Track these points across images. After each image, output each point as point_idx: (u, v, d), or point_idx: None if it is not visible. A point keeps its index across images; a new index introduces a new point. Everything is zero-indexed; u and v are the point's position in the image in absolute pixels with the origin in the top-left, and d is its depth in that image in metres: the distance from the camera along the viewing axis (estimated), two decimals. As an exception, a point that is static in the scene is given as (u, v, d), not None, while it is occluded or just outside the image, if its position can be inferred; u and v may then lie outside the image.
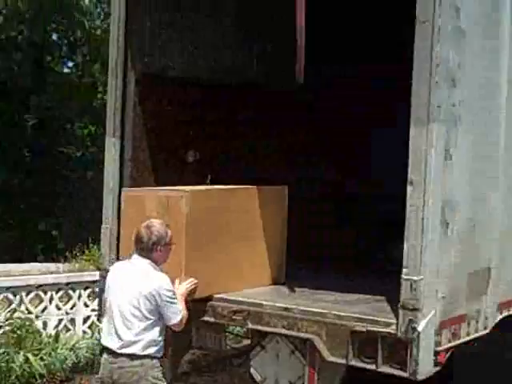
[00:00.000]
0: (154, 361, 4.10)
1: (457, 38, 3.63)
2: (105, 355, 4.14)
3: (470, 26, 3.70)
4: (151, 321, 4.03)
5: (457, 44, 3.63)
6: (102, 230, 5.28)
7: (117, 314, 4.06)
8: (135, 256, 4.15)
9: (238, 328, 5.72)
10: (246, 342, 6.07)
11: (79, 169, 20.05)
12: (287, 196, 5.04)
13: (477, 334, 3.79)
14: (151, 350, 4.06)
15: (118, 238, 5.18)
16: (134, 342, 4.01)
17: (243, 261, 4.77)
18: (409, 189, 3.54)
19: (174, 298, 4.09)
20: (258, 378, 4.41)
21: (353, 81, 6.61)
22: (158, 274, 4.10)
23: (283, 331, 4.16)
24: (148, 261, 4.10)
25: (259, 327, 4.31)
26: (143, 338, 4.02)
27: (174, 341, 4.93)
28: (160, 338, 4.12)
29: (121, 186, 5.26)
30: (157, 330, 4.08)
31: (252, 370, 4.45)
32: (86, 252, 10.05)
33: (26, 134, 19.96)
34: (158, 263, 4.13)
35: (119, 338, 4.03)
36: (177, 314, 4.11)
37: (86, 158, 20.43)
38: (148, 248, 4.08)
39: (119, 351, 4.03)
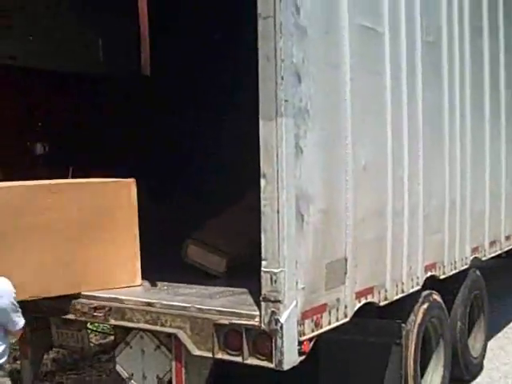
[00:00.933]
0: None
1: (299, 34, 3.54)
2: None
3: (310, 23, 3.63)
4: None
5: (299, 40, 3.55)
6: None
7: None
8: None
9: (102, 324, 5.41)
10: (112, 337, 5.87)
11: None
12: (135, 190, 4.46)
13: (338, 323, 3.77)
14: None
15: None
16: None
17: (77, 262, 4.30)
18: (262, 182, 3.44)
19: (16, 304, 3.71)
20: (124, 374, 4.20)
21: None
22: None
23: (147, 326, 3.97)
24: None
25: (122, 323, 4.09)
26: None
27: (33, 340, 4.65)
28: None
29: None
30: None
31: (118, 367, 4.23)
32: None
33: None
34: None
35: None
36: (21, 320, 3.75)
37: None
38: None
39: None
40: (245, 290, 4.12)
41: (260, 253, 3.41)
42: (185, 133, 6.59)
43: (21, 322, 3.75)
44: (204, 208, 5.71)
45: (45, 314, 4.42)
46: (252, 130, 3.53)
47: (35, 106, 5.50)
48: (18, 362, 6.05)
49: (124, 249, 4.45)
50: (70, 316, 4.29)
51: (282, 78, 3.39)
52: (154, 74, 6.57)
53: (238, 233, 5.04)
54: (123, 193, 4.43)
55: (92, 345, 4.76)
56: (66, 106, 5.70)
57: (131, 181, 4.45)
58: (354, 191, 3.93)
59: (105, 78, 5.88)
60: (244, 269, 4.56)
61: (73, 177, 5.52)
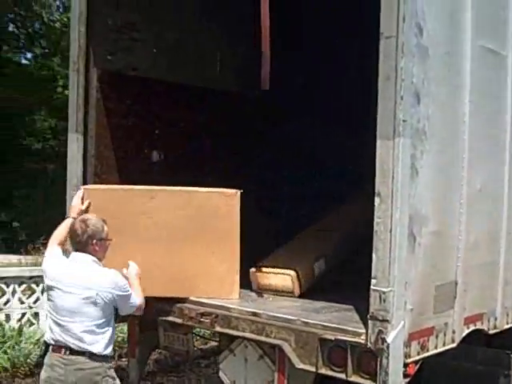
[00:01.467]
0: (111, 360, 3.89)
1: (420, 55, 3.55)
2: (55, 355, 3.71)
3: (432, 44, 3.63)
4: (108, 318, 3.79)
5: (420, 60, 3.55)
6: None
7: (70, 311, 3.71)
8: (74, 252, 3.85)
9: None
10: (213, 343, 6.00)
11: (40, 161, 19.60)
12: (239, 201, 4.41)
13: (445, 347, 3.73)
14: (109, 349, 3.80)
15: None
16: (95, 341, 3.71)
17: (173, 267, 4.39)
18: (376, 201, 3.46)
19: (128, 290, 3.86)
20: (226, 381, 4.30)
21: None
22: (106, 269, 3.84)
23: (252, 336, 4.04)
24: (90, 256, 3.80)
25: (227, 331, 4.18)
26: (104, 337, 3.75)
27: (141, 340, 4.81)
28: (114, 337, 3.91)
29: (84, 182, 5.06)
30: (112, 327, 3.84)
31: (221, 374, 4.32)
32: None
33: (-17, 124, 19.43)
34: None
35: (76, 336, 3.68)
36: (135, 302, 3.90)
37: (47, 151, 19.98)
38: (83, 242, 3.78)
39: (79, 350, 3.69)
40: (350, 306, 4.12)
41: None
42: (303, 145, 6.65)
43: (136, 303, 3.91)
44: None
45: (154, 316, 4.55)
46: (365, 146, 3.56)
47: (153, 116, 5.70)
48: (124, 359, 6.33)
49: (224, 261, 4.44)
50: (178, 320, 4.41)
51: (402, 98, 3.41)
52: (273, 88, 6.65)
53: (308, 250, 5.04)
54: (227, 204, 4.41)
55: (195, 349, 4.86)
56: (183, 116, 5.87)
57: (235, 192, 4.41)
58: (468, 214, 3.87)
59: (222, 91, 6.01)
60: (347, 285, 4.60)
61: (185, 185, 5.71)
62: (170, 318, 4.44)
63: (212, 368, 6.66)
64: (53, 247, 4.02)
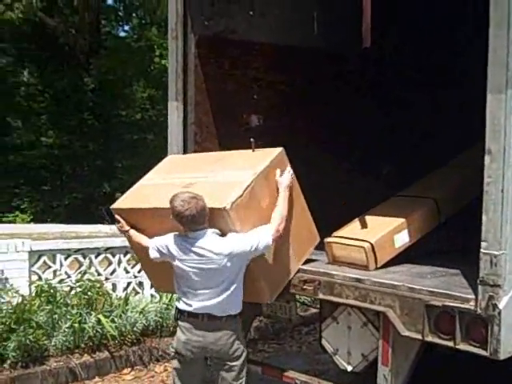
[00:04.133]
0: (241, 319, 4.12)
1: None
2: (193, 320, 3.99)
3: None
4: (239, 276, 3.97)
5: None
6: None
7: (199, 277, 3.91)
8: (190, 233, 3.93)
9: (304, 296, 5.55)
10: (314, 310, 6.04)
11: (139, 131, 20.20)
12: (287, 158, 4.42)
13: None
14: (239, 309, 4.05)
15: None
16: (230, 302, 3.96)
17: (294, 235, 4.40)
18: (487, 159, 3.34)
19: (251, 234, 3.93)
20: (329, 349, 4.32)
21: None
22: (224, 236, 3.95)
23: (355, 303, 4.02)
24: (209, 229, 3.92)
25: (331, 298, 4.17)
26: (236, 297, 3.99)
27: (244, 309, 4.89)
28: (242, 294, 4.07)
29: (185, 150, 5.18)
30: (241, 286, 4.02)
31: (323, 341, 4.35)
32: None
33: (86, 97, 20.16)
34: None
35: (212, 300, 3.92)
36: (266, 240, 3.94)
37: (146, 121, 20.56)
38: (200, 221, 3.88)
39: (218, 314, 3.94)
40: (458, 271, 4.03)
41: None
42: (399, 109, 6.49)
43: (267, 243, 3.96)
44: None
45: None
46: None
47: (252, 79, 5.71)
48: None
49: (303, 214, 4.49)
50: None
51: (517, 45, 3.25)
52: (375, 47, 6.52)
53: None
54: (280, 160, 4.39)
55: (298, 316, 4.90)
56: (282, 79, 5.86)
57: (281, 149, 4.44)
58: None
59: (322, 51, 5.94)
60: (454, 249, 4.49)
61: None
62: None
63: (313, 335, 6.74)
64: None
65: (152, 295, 7.34)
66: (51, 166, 19.29)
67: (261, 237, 3.94)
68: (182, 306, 4.04)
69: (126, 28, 23.44)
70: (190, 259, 3.92)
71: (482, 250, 3.33)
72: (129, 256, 7.48)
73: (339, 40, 6.06)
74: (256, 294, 4.25)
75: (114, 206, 4.39)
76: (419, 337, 3.65)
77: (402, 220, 4.44)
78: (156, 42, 20.41)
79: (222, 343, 4.00)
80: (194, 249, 3.90)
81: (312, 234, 4.59)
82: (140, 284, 7.51)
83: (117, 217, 4.31)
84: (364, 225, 4.58)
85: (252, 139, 4.49)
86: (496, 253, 3.28)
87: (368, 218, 4.62)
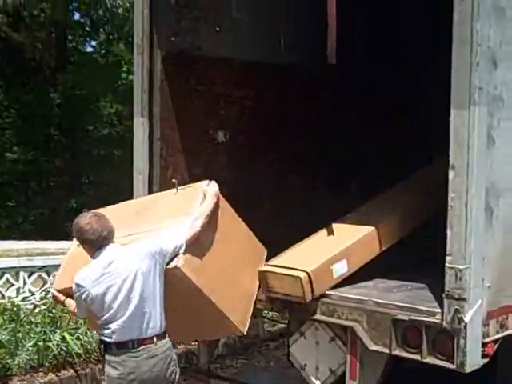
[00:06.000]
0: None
1: (496, 16, 3.43)
2: (120, 352, 3.67)
3: (509, 5, 3.50)
4: (156, 287, 3.73)
5: (497, 22, 3.43)
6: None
7: (129, 303, 3.65)
8: (99, 252, 3.75)
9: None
10: (281, 325, 6.02)
11: (106, 147, 20.03)
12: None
13: (526, 326, 3.63)
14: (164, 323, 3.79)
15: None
16: (161, 323, 3.73)
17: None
18: (451, 174, 3.38)
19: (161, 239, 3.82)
20: (297, 364, 4.30)
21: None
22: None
23: (322, 318, 4.03)
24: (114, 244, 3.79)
25: (298, 314, 4.19)
26: (160, 311, 3.75)
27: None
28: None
29: (151, 166, 5.14)
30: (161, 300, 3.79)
31: (291, 357, 4.34)
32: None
33: (53, 112, 19.96)
34: None
35: (139, 325, 3.67)
36: (178, 241, 3.80)
37: (113, 137, 20.40)
38: (109, 238, 3.77)
39: (146, 337, 3.66)
40: (423, 285, 4.05)
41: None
42: (362, 126, 6.52)
43: (181, 242, 3.82)
44: None
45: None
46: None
47: (218, 95, 5.71)
48: (193, 343, 6.42)
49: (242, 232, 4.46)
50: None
51: (478, 64, 3.32)
52: (340, 63, 6.56)
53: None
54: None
55: (265, 332, 4.88)
56: (249, 95, 5.87)
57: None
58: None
59: (288, 66, 5.96)
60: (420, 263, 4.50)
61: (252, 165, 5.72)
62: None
63: (281, 350, 6.69)
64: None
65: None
66: (16, 182, 19.02)
67: (172, 236, 3.82)
68: (106, 338, 3.73)
69: (93, 43, 23.32)
70: (103, 280, 3.69)
71: (447, 264, 3.36)
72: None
73: (306, 55, 6.09)
74: (229, 329, 4.20)
75: (55, 286, 4.28)
76: (386, 351, 3.67)
77: (342, 248, 4.24)
78: (123, 58, 20.33)
79: (157, 370, 3.72)
80: (104, 266, 3.72)
81: (258, 248, 4.52)
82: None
83: (54, 293, 4.22)
84: (301, 252, 4.37)
85: (174, 180, 4.49)
86: (461, 267, 3.31)
87: (307, 245, 4.46)
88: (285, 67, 5.93)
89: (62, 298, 4.13)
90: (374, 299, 3.85)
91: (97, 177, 19.11)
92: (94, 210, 4.01)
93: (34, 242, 15.90)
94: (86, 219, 3.78)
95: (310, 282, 3.97)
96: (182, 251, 3.81)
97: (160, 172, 5.18)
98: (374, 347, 3.71)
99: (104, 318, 3.70)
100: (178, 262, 3.78)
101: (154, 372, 3.70)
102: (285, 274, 4.10)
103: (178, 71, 5.31)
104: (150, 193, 5.13)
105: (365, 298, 3.89)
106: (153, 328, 3.70)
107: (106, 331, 3.70)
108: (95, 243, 3.74)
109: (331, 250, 4.22)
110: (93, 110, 20.63)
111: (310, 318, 4.14)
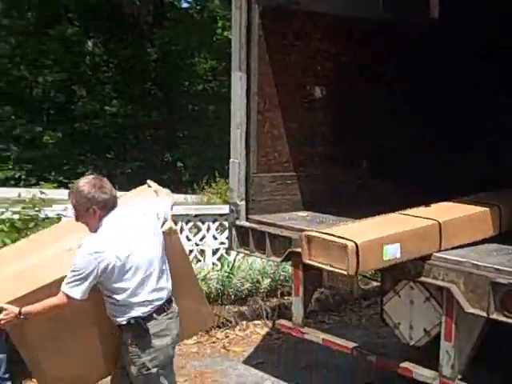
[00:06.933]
0: None
1: None
2: (162, 316, 3.49)
3: None
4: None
5: None
6: (230, 165, 5.20)
7: (151, 265, 3.47)
8: (111, 213, 3.45)
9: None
10: (374, 283, 5.99)
11: (201, 102, 20.24)
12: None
13: None
14: None
15: (246, 173, 5.13)
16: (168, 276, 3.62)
17: None
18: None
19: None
20: (391, 323, 4.28)
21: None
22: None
23: (418, 278, 3.96)
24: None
25: (394, 272, 4.12)
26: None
27: (306, 279, 4.86)
28: None
29: (248, 119, 5.14)
30: None
31: (385, 315, 4.31)
32: (213, 185, 10.13)
33: (150, 67, 20.28)
34: None
35: (165, 287, 3.55)
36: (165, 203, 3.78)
37: (207, 92, 20.58)
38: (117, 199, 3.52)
39: (169, 297, 3.57)
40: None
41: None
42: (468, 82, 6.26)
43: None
44: None
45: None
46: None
47: (315, 51, 5.63)
48: (286, 297, 6.49)
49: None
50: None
51: None
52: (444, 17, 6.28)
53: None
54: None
55: (359, 289, 4.86)
56: (345, 50, 5.75)
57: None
58: None
59: (387, 21, 5.78)
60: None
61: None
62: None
63: (373, 308, 6.70)
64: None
65: (213, 263, 7.39)
66: (115, 135, 19.54)
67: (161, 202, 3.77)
68: (143, 309, 3.45)
69: (190, -1, 23.44)
70: (125, 241, 3.41)
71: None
72: (190, 224, 7.52)
73: (406, 9, 5.87)
74: (202, 317, 4.17)
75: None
76: (484, 314, 3.58)
77: (400, 231, 3.96)
78: (218, 14, 20.35)
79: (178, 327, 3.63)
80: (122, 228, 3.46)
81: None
82: (202, 252, 7.56)
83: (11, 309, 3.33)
84: (362, 226, 4.16)
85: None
86: None
87: (375, 221, 4.23)
88: (383, 22, 5.77)
89: (14, 309, 3.31)
90: (473, 261, 3.75)
91: (191, 131, 19.38)
92: None
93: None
94: (97, 179, 3.48)
95: (357, 254, 3.72)
96: (168, 217, 3.75)
97: (257, 126, 5.18)
98: (471, 310, 3.63)
99: (129, 291, 3.39)
100: (172, 225, 3.76)
101: (179, 330, 3.64)
102: (331, 241, 3.87)
103: (275, 26, 5.26)
104: (247, 147, 5.14)
105: (463, 260, 3.80)
106: (169, 285, 3.60)
107: (137, 306, 3.42)
108: (108, 203, 3.42)
109: (391, 230, 3.97)
110: (188, 65, 20.83)
111: (405, 278, 4.08)
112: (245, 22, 5.09)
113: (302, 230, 4.28)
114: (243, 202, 5.16)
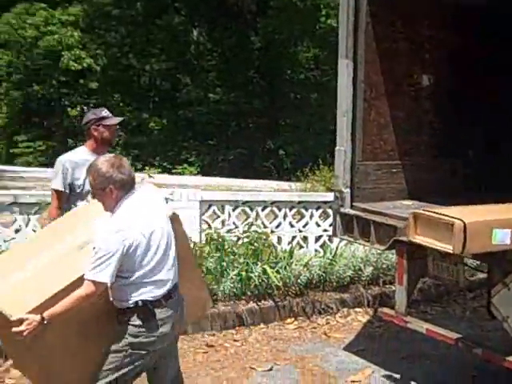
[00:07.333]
0: None
1: None
2: (169, 303, 3.36)
3: None
4: None
5: None
6: (336, 152, 5.18)
7: (169, 244, 3.41)
8: (130, 194, 3.33)
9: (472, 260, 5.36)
10: (482, 275, 5.85)
11: (303, 91, 20.25)
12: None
13: None
14: None
15: (351, 161, 5.10)
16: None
17: None
18: None
19: None
20: (499, 316, 4.17)
21: None
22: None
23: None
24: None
25: (503, 264, 4.02)
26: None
27: (410, 268, 4.81)
28: None
29: (354, 108, 5.11)
30: None
31: (492, 308, 4.21)
32: (317, 173, 10.16)
33: (253, 56, 20.47)
34: None
35: (176, 269, 3.45)
36: None
37: (310, 81, 20.56)
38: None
39: (176, 284, 3.46)
40: None
41: None
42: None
43: None
44: None
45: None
46: None
47: (423, 38, 5.52)
48: (388, 286, 6.46)
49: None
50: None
51: None
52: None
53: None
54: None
55: (465, 280, 4.75)
56: (454, 38, 5.61)
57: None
58: None
59: (496, 10, 5.59)
60: None
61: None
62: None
63: (478, 301, 6.55)
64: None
65: (316, 250, 7.43)
66: (218, 122, 19.88)
67: None
68: (152, 294, 3.32)
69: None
70: (146, 222, 3.32)
71: None
72: (294, 211, 7.59)
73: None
74: (202, 302, 4.11)
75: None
76: None
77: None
78: (322, 2, 20.24)
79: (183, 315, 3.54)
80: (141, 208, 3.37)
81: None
82: (304, 238, 7.61)
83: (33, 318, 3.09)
84: (472, 210, 4.05)
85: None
86: None
87: (477, 207, 4.10)
88: (492, 9, 5.57)
89: (36, 317, 3.09)
90: None
91: (293, 120, 19.44)
92: None
93: (232, 179, 16.65)
94: (116, 158, 3.38)
95: (464, 233, 3.62)
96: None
97: (363, 114, 5.16)
98: None
99: (148, 267, 3.28)
100: (173, 210, 3.75)
101: (185, 318, 3.58)
102: (438, 219, 3.81)
103: (383, 13, 5.19)
104: (353, 135, 5.13)
105: None
106: (177, 268, 3.49)
107: (150, 286, 3.30)
108: (125, 184, 3.29)
109: (502, 216, 3.86)
110: (291, 54, 20.87)
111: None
112: (352, 8, 5.05)
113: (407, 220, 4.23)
114: (348, 190, 5.15)
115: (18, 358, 3.59)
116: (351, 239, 5.17)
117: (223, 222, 7.29)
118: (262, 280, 6.26)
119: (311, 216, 7.57)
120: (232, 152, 18.85)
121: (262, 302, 6.24)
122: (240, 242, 6.90)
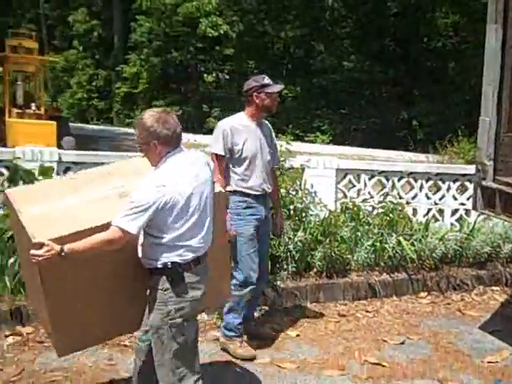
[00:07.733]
0: None
1: None
2: (199, 268, 3.25)
3: None
4: None
5: None
6: (480, 123, 4.93)
7: (206, 211, 3.27)
8: (176, 151, 3.20)
9: None
10: None
11: (438, 59, 19.53)
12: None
13: None
14: None
15: (496, 132, 4.84)
16: None
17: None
18: None
19: None
20: None
21: None
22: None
23: None
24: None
25: None
26: None
27: None
28: None
29: (501, 76, 4.84)
30: None
31: None
32: (455, 144, 9.83)
33: (389, 22, 19.94)
34: None
35: (209, 239, 3.31)
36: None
37: (447, 49, 19.79)
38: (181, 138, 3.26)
39: (206, 252, 3.32)
40: None
41: None
42: None
43: None
44: None
45: None
46: None
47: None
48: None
49: None
50: None
51: None
52: None
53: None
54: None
55: None
56: None
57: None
58: None
59: None
60: None
61: None
62: None
63: None
64: None
65: (452, 224, 7.19)
66: (351, 90, 19.63)
67: None
68: (184, 257, 3.21)
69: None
70: (189, 180, 3.19)
71: None
72: (431, 182, 7.37)
73: None
74: (223, 291, 3.97)
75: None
76: None
77: None
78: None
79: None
80: (186, 166, 3.23)
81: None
82: (440, 211, 7.38)
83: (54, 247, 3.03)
84: None
85: None
86: None
87: None
88: None
89: (56, 246, 3.03)
90: None
91: (428, 90, 18.83)
92: None
93: (364, 149, 16.45)
94: (163, 113, 3.25)
95: None
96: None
97: (511, 83, 4.87)
98: None
99: (180, 231, 3.15)
100: (221, 188, 3.70)
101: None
102: None
103: None
104: (499, 105, 4.86)
105: None
106: (211, 238, 3.34)
107: (181, 249, 3.19)
108: (170, 140, 3.16)
109: None
110: (428, 20, 20.16)
111: None
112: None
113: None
114: (491, 162, 4.91)
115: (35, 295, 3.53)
116: (492, 214, 4.95)
117: (359, 192, 7.19)
118: (396, 252, 6.14)
119: (448, 189, 7.32)
120: (365, 121, 18.58)
121: (396, 273, 6.12)
122: (375, 213, 6.77)
